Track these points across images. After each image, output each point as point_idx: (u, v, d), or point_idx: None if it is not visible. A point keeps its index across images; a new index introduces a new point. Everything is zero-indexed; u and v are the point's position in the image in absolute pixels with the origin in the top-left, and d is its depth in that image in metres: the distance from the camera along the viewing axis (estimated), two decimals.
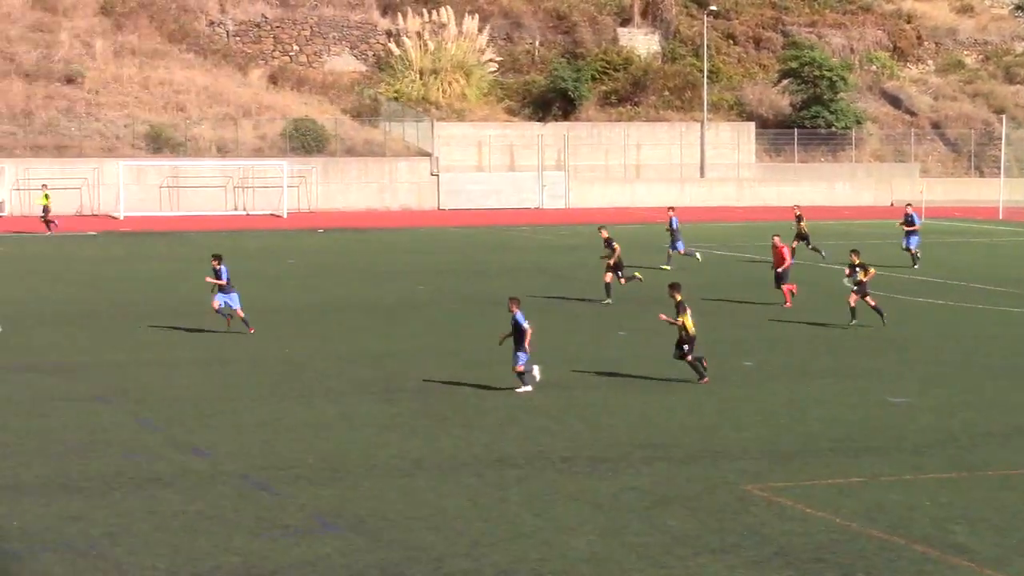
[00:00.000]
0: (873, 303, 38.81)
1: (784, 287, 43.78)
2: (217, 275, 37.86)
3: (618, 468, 23.46)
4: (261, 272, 53.66)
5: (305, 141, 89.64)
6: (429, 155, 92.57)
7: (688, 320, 30.49)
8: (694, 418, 27.60)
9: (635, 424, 26.99)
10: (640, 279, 46.05)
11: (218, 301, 37.82)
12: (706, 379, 30.70)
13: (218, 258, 38.15)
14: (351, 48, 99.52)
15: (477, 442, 25.46)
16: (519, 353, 29.35)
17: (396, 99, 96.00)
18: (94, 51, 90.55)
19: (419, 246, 67.29)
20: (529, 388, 29.48)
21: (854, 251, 39.75)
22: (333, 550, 19.04)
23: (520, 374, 29.52)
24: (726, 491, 21.93)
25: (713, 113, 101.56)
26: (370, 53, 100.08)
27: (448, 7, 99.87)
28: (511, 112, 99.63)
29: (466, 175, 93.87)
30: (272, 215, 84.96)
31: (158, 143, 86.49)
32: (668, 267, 53.87)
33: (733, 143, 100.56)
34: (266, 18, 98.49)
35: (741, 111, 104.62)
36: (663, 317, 31.37)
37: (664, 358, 31.98)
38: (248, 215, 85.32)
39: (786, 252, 44.50)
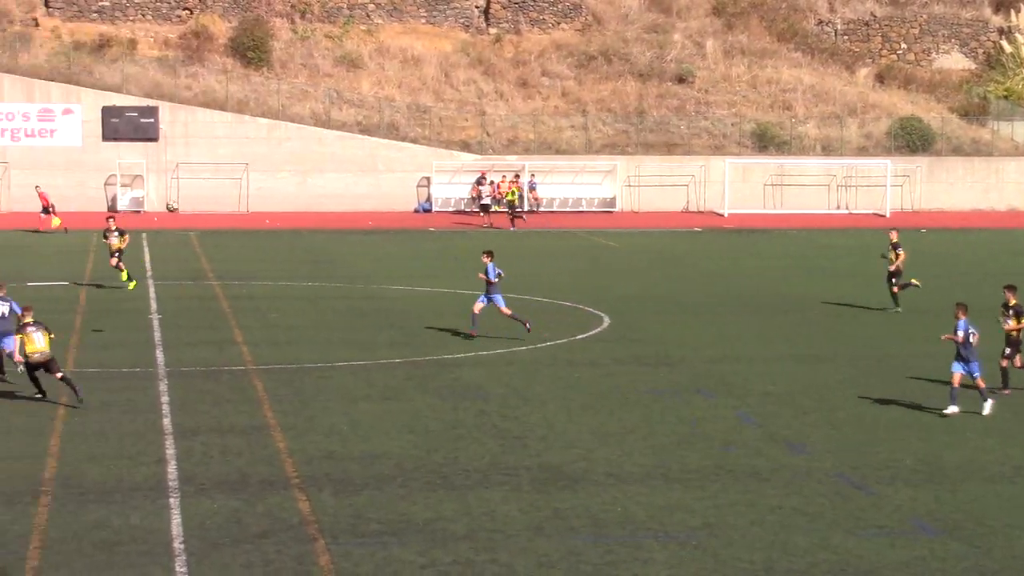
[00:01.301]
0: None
1: None
2: (486, 273, 36.50)
3: None
4: (858, 270, 53.36)
5: (910, 140, 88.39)
6: None
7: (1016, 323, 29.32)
8: None
9: None
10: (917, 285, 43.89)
11: (481, 303, 36.63)
12: (1007, 391, 29.53)
13: (489, 254, 36.71)
14: (961, 46, 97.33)
15: None
16: (956, 363, 27.63)
17: (1006, 97, 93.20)
18: (704, 51, 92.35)
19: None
20: (955, 409, 27.46)
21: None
22: (928, 553, 18.91)
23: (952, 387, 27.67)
24: None
25: None
26: (980, 51, 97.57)
27: None
28: None
29: None
30: (874, 214, 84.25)
31: (764, 141, 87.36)
32: None
33: None
34: (875, 16, 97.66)
35: None
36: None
37: None
38: (850, 214, 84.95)
39: None
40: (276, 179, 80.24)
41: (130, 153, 78.72)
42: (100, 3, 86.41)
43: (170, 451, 24.46)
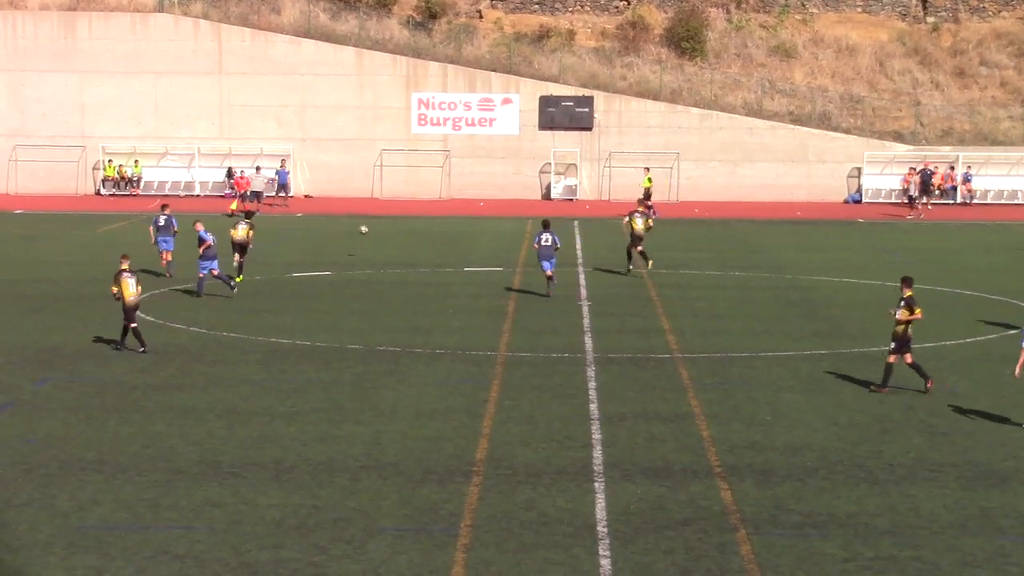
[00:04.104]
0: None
1: None
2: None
3: None
4: None
5: None
6: None
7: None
8: None
9: None
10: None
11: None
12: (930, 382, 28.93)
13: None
14: None
15: None
16: None
17: None
18: None
19: None
20: None
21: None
22: None
23: None
24: None
25: None
26: None
27: None
28: None
29: None
30: None
31: None
32: None
33: None
34: None
35: None
36: None
37: None
38: None
39: None
40: (707, 168, 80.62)
41: (565, 142, 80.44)
42: None
43: (596, 436, 25.05)
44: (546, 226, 43.49)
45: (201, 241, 40.87)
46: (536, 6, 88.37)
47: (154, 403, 27.55)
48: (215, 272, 41.21)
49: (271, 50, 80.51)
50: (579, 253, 54.65)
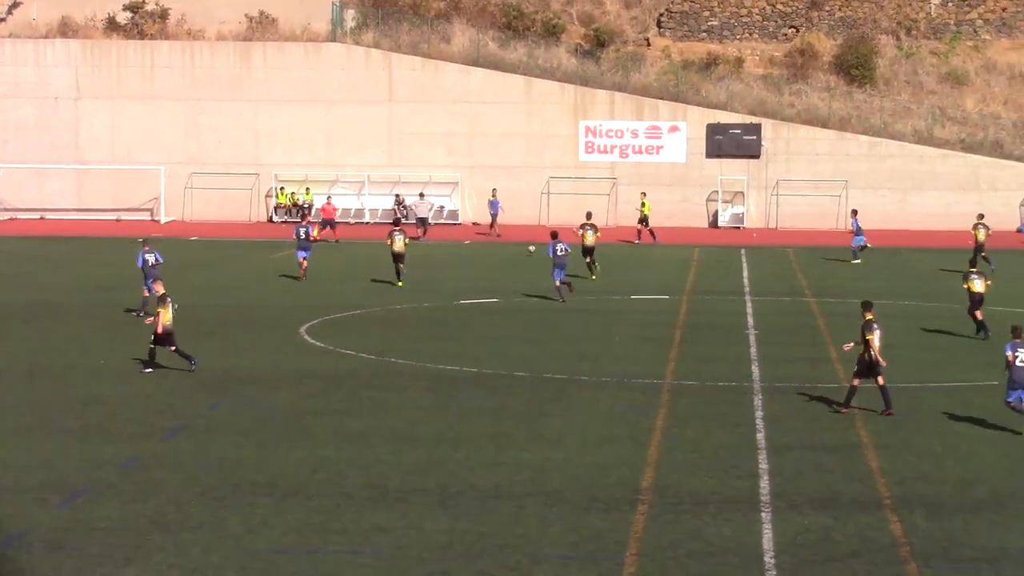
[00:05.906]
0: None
1: None
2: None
3: None
4: None
5: None
6: None
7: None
8: None
9: None
10: None
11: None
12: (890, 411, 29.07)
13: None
14: None
15: None
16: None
17: None
18: None
19: None
20: None
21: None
22: None
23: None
24: None
25: None
26: None
27: None
28: None
29: None
30: None
31: None
32: None
33: None
34: None
35: None
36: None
37: None
38: None
39: None
40: (876, 197, 79.70)
41: (732, 170, 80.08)
42: (710, 23, 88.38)
43: (763, 466, 24.91)
44: (555, 236, 47.34)
45: (145, 262, 43.28)
46: (704, 34, 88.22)
47: (323, 428, 27.94)
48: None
49: (441, 78, 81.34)
50: (746, 282, 54.36)
